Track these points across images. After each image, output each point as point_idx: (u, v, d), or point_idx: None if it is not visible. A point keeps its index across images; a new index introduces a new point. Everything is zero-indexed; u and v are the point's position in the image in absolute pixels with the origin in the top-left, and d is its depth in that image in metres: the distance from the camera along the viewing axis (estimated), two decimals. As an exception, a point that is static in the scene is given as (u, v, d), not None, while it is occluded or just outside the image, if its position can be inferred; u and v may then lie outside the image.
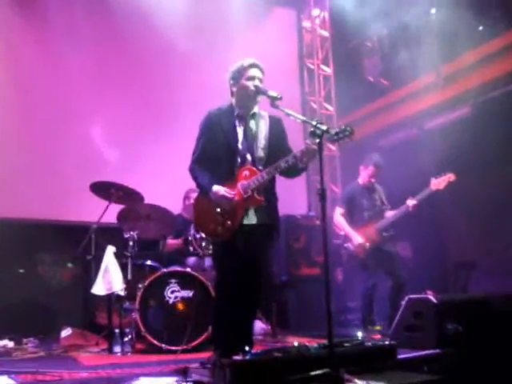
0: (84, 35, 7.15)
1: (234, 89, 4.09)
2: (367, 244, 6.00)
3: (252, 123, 4.09)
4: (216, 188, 3.87)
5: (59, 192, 6.67)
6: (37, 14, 7.09)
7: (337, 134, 3.55)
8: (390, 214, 6.14)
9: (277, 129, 4.13)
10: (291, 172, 4.02)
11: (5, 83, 6.83)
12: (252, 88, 3.97)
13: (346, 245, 6.13)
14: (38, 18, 7.08)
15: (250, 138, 4.03)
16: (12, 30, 6.98)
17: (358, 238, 6.06)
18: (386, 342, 3.88)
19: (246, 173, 3.93)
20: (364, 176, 6.34)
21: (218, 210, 3.89)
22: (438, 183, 5.82)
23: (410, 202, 5.89)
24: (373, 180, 6.30)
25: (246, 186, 3.88)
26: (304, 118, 3.76)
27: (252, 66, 4.04)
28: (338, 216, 6.32)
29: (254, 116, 4.11)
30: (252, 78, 4.00)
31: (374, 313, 6.11)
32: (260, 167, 3.96)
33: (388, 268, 6.04)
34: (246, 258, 3.90)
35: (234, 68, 4.08)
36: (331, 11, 9.36)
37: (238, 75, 4.05)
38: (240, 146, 3.99)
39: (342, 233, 6.30)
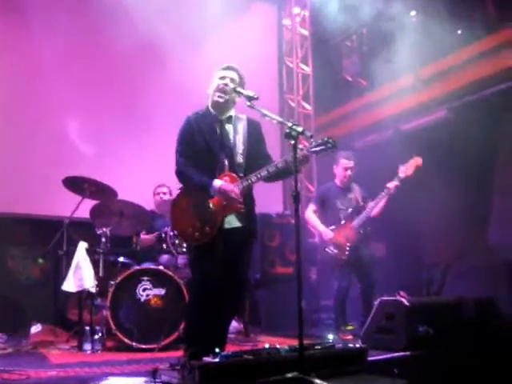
0: (61, 29, 6.99)
1: (208, 91, 4.08)
2: (347, 244, 5.96)
3: (229, 127, 4.06)
4: (218, 182, 3.83)
5: (32, 186, 6.55)
6: (12, 7, 6.94)
7: (319, 145, 3.58)
8: (367, 207, 6.02)
9: (255, 133, 4.11)
10: (276, 177, 3.98)
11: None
12: (220, 86, 3.97)
13: (326, 249, 6.02)
14: (16, 9, 6.93)
15: (228, 143, 4.00)
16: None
17: (328, 234, 6.01)
18: (357, 345, 3.89)
19: (226, 179, 3.89)
20: (339, 175, 6.29)
21: (197, 213, 3.85)
22: (406, 169, 5.84)
23: (391, 184, 5.85)
24: (348, 174, 6.20)
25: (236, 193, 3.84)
26: (280, 119, 3.74)
27: (226, 68, 4.06)
28: (310, 212, 6.29)
29: (230, 119, 4.08)
30: (222, 78, 4.00)
31: (347, 313, 6.12)
32: (240, 173, 3.94)
33: (359, 270, 6.04)
34: (225, 260, 3.86)
35: (214, 73, 4.09)
36: (312, 10, 9.34)
37: (213, 77, 4.06)
38: (218, 152, 3.95)
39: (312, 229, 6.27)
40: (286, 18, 9.57)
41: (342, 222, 6.05)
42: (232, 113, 4.10)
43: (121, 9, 7.26)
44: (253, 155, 4.02)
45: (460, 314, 4.80)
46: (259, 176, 3.83)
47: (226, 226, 3.89)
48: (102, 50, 7.33)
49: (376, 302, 4.86)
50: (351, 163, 6.23)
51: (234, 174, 3.92)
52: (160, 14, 7.51)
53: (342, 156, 6.23)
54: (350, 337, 5.69)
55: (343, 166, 6.22)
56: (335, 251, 5.97)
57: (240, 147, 4.00)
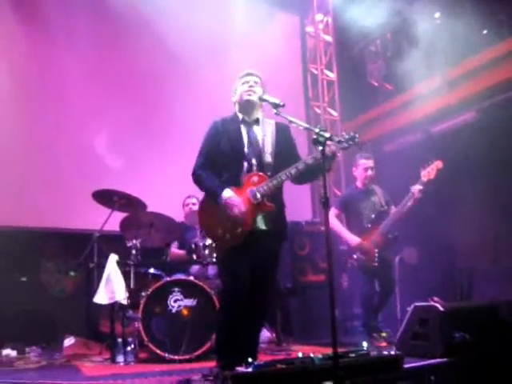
0: (87, 42, 7.11)
1: (235, 99, 4.13)
2: (376, 250, 5.85)
3: (257, 129, 4.07)
4: (227, 194, 3.82)
5: (62, 200, 6.62)
6: (39, 21, 7.03)
7: (345, 141, 3.57)
8: (391, 211, 5.92)
9: (284, 135, 4.11)
10: (307, 175, 3.96)
11: (7, 92, 6.78)
12: (245, 89, 4.01)
13: (355, 256, 5.91)
14: (40, 24, 7.02)
15: (256, 143, 4.00)
16: (14, 38, 6.93)
17: (354, 239, 5.88)
18: (392, 352, 3.81)
19: (255, 179, 3.89)
20: (359, 176, 6.19)
21: (228, 215, 3.82)
22: (428, 173, 5.72)
23: (415, 188, 5.72)
24: (369, 175, 6.09)
25: (255, 192, 3.84)
26: (307, 126, 3.72)
27: (247, 74, 4.10)
28: (332, 217, 6.09)
29: (258, 121, 4.09)
30: (247, 82, 4.05)
31: (379, 319, 6.03)
32: (268, 173, 3.92)
33: (383, 276, 5.94)
34: (255, 264, 3.86)
35: (234, 83, 4.14)
36: (334, 16, 9.32)
37: (236, 85, 4.11)
38: (246, 150, 3.96)
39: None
40: (309, 25, 9.60)
41: (368, 226, 5.92)
42: (259, 115, 4.11)
43: (144, 22, 7.37)
44: (282, 156, 4.00)
45: (495, 317, 4.69)
46: (288, 174, 3.81)
47: (256, 228, 3.87)
48: (128, 64, 7.41)
49: (409, 308, 4.78)
50: (370, 162, 6.13)
51: (262, 174, 3.91)
52: (183, 26, 7.58)
53: (360, 157, 6.14)
54: (384, 343, 5.60)
55: (363, 166, 6.13)
56: (363, 258, 5.86)
57: (269, 148, 3.99)
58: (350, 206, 6.14)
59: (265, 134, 4.04)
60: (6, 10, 6.93)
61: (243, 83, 4.06)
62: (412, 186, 5.78)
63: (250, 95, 4.01)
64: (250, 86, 4.01)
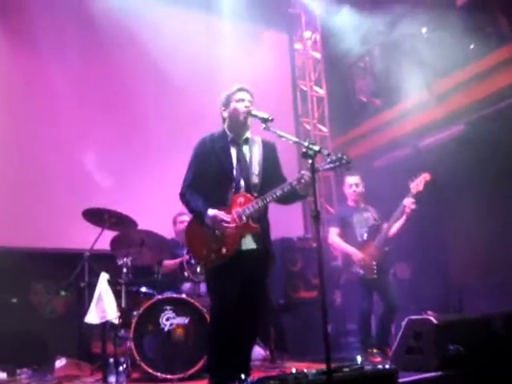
0: (77, 60, 7.13)
1: (226, 114, 4.09)
2: (374, 263, 5.85)
3: (245, 148, 4.06)
4: (212, 212, 3.82)
5: (51, 219, 6.58)
6: (25, 33, 7.03)
7: (333, 161, 3.56)
8: (384, 225, 5.95)
9: (270, 154, 4.10)
10: (288, 199, 3.98)
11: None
12: (243, 109, 3.96)
13: (354, 270, 5.90)
14: (26, 37, 7.02)
15: (244, 163, 3.99)
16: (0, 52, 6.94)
17: (358, 254, 5.88)
18: (386, 366, 3.79)
19: (241, 199, 3.89)
20: (349, 194, 6.26)
21: (213, 235, 3.82)
22: (417, 185, 5.78)
23: (407, 201, 5.77)
24: (358, 191, 6.16)
25: (241, 213, 3.83)
26: (296, 139, 3.74)
27: (240, 89, 4.06)
28: (334, 236, 6.16)
29: (247, 141, 4.08)
30: (241, 100, 4.00)
31: (372, 334, 6.00)
32: (255, 194, 3.92)
33: (384, 290, 5.93)
34: (244, 283, 3.84)
35: (223, 95, 4.11)
36: (323, 33, 9.38)
37: (228, 100, 4.06)
38: (234, 172, 3.95)
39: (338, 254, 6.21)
40: (298, 42, 9.64)
41: (364, 239, 5.94)
42: (248, 135, 4.10)
43: (133, 40, 7.39)
44: (268, 176, 4.00)
45: (489, 330, 4.68)
46: (274, 196, 3.81)
47: (243, 246, 3.87)
48: (117, 83, 7.42)
49: (404, 322, 4.75)
50: (356, 179, 6.20)
51: (248, 195, 3.91)
52: (172, 44, 7.63)
53: (347, 175, 6.23)
54: (379, 359, 5.57)
55: (349, 183, 6.22)
56: (361, 272, 5.86)
57: (256, 168, 3.99)
58: (345, 222, 6.18)
59: (252, 154, 4.04)
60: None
61: (238, 100, 4.01)
62: (404, 199, 5.82)
63: (245, 119, 3.98)
64: (246, 107, 3.98)
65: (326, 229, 6.82)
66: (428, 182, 5.79)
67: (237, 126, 4.04)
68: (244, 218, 3.82)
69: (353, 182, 6.20)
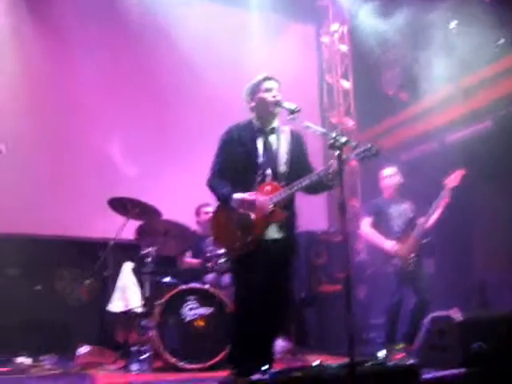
0: (102, 52, 7.19)
1: (252, 103, 4.07)
2: (411, 255, 5.79)
3: (272, 137, 4.05)
4: (239, 195, 3.81)
5: (77, 208, 6.64)
6: (53, 28, 7.13)
7: (362, 151, 3.56)
8: (421, 219, 5.87)
9: (298, 144, 4.09)
10: (316, 189, 3.96)
11: (22, 97, 6.86)
12: (270, 99, 3.95)
13: (393, 262, 5.83)
14: (54, 30, 7.12)
15: (271, 152, 3.98)
16: (28, 43, 7.03)
17: (394, 245, 5.82)
18: (409, 362, 3.75)
19: (268, 188, 3.88)
20: (387, 187, 6.19)
21: (238, 222, 3.82)
22: (453, 180, 5.74)
23: (444, 195, 5.73)
24: (395, 183, 6.13)
25: (268, 201, 3.82)
26: (323, 130, 3.72)
27: (266, 78, 4.04)
28: (366, 226, 6.10)
29: (274, 130, 4.07)
30: (269, 90, 3.99)
31: (398, 330, 5.96)
32: (282, 183, 3.91)
33: (417, 283, 5.89)
34: (267, 273, 3.82)
35: (249, 85, 4.10)
36: (350, 25, 9.30)
37: (255, 89, 4.05)
38: (261, 160, 3.94)
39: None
40: (325, 35, 9.57)
41: (401, 232, 5.90)
42: (275, 124, 4.08)
43: (160, 30, 7.41)
44: (296, 165, 3.99)
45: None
46: (301, 185, 3.80)
47: (268, 236, 3.85)
48: (144, 74, 7.45)
49: (427, 319, 4.71)
50: (390, 170, 6.18)
51: (276, 183, 3.89)
52: (199, 37, 7.64)
53: (385, 168, 6.20)
54: (402, 355, 5.53)
55: (386, 174, 6.18)
56: (399, 264, 5.81)
57: (283, 157, 3.98)
58: (380, 213, 6.13)
59: (280, 143, 4.02)
60: (24, 15, 7.03)
61: (266, 90, 4.00)
62: (441, 193, 5.77)
63: (273, 109, 3.98)
64: (274, 96, 3.97)
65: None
66: (464, 177, 5.75)
67: (264, 115, 4.03)
68: (271, 205, 3.80)
69: (389, 174, 6.16)
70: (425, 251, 6.21)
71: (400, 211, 6.05)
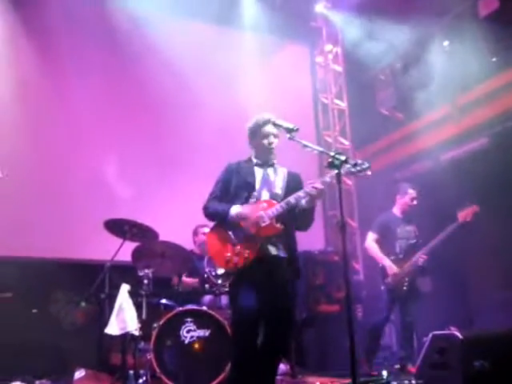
0: (99, 72, 7.23)
1: (252, 144, 4.16)
2: (406, 278, 5.93)
3: (270, 170, 4.11)
4: (235, 208, 3.85)
5: (73, 230, 6.62)
6: (50, 50, 7.15)
7: (353, 166, 3.55)
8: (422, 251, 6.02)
9: (294, 182, 4.11)
10: (301, 220, 3.99)
11: (19, 119, 6.85)
12: (266, 146, 4.05)
13: (386, 280, 5.98)
14: (51, 52, 7.14)
15: (268, 181, 4.04)
16: (24, 66, 7.03)
17: (392, 268, 5.94)
18: (413, 382, 3.72)
19: (264, 204, 3.89)
20: (403, 204, 6.31)
21: (235, 237, 3.83)
22: (465, 215, 5.87)
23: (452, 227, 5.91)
24: (413, 204, 6.27)
25: (263, 215, 3.83)
26: (322, 149, 3.74)
27: (266, 122, 4.07)
28: (371, 241, 6.23)
29: (272, 165, 4.14)
30: (267, 136, 4.05)
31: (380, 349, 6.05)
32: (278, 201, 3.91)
33: (407, 304, 5.95)
34: (269, 294, 3.78)
35: (252, 124, 4.14)
36: (344, 46, 9.37)
37: (255, 132, 4.10)
38: (257, 185, 3.99)
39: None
40: (319, 55, 9.66)
41: (402, 255, 6.02)
42: (274, 161, 4.15)
43: (156, 52, 7.44)
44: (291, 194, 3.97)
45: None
46: (297, 197, 3.80)
47: (265, 252, 3.83)
48: (138, 95, 7.47)
49: (428, 337, 4.68)
50: (416, 193, 6.31)
51: (272, 200, 3.92)
52: (195, 57, 7.68)
53: (410, 186, 6.35)
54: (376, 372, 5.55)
55: (411, 195, 6.29)
56: (393, 284, 5.93)
57: (280, 184, 4.04)
58: (386, 230, 6.21)
59: (276, 174, 4.10)
60: (22, 40, 7.06)
61: (263, 137, 4.05)
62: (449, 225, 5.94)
63: (271, 153, 4.08)
64: (270, 143, 4.04)
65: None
66: (477, 214, 5.90)
67: (262, 157, 4.11)
68: (267, 218, 3.80)
69: (414, 196, 6.29)
70: (421, 271, 6.25)
71: (405, 233, 6.16)
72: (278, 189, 4.01)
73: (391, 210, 6.38)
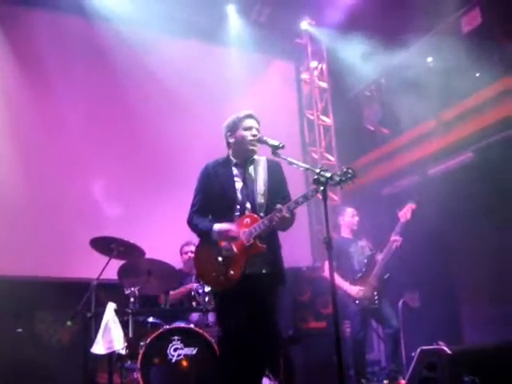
0: (84, 91, 7.22)
1: (231, 140, 4.06)
2: (375, 293, 5.95)
3: (251, 169, 4.04)
4: (218, 226, 3.81)
5: (58, 248, 6.57)
6: (36, 69, 7.13)
7: (339, 176, 3.50)
8: (379, 256, 6.07)
9: (275, 172, 4.06)
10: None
11: (3, 138, 6.81)
12: (250, 137, 3.95)
13: (357, 301, 5.97)
14: (37, 72, 7.13)
15: (250, 184, 3.97)
16: (11, 85, 7.02)
17: (353, 289, 5.97)
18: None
19: (248, 220, 3.85)
20: (348, 224, 6.41)
21: (220, 258, 3.79)
22: (405, 214, 5.99)
23: (393, 238, 5.97)
24: (356, 221, 6.38)
25: (247, 234, 3.79)
26: (307, 166, 3.72)
27: (248, 116, 4.04)
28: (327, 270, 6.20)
29: (252, 162, 4.06)
30: (249, 128, 3.99)
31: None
32: (261, 214, 3.88)
33: (382, 315, 5.96)
34: (253, 309, 3.77)
35: (230, 120, 4.08)
36: (329, 62, 9.43)
37: (235, 126, 4.03)
38: (239, 195, 3.94)
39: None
40: (304, 72, 9.71)
41: (362, 271, 6.06)
42: (255, 156, 4.08)
43: (143, 69, 7.46)
44: (274, 195, 3.96)
45: (504, 359, 4.57)
46: (279, 214, 3.72)
47: (250, 270, 3.80)
48: (124, 113, 7.47)
49: (416, 352, 4.68)
50: (355, 211, 6.46)
51: (255, 215, 3.87)
52: (182, 77, 7.71)
53: (346, 207, 6.59)
54: None
55: (351, 213, 6.44)
56: (365, 302, 5.94)
57: (261, 188, 3.96)
58: (340, 253, 6.15)
59: (257, 174, 4.01)
60: (6, 56, 7.04)
61: (246, 129, 3.99)
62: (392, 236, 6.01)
63: (254, 147, 3.98)
64: (254, 135, 3.96)
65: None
66: (415, 211, 6.01)
67: (241, 152, 4.03)
68: (251, 238, 3.77)
69: (355, 213, 6.44)
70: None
71: (359, 249, 6.25)
72: (260, 197, 3.92)
73: (340, 235, 6.45)
